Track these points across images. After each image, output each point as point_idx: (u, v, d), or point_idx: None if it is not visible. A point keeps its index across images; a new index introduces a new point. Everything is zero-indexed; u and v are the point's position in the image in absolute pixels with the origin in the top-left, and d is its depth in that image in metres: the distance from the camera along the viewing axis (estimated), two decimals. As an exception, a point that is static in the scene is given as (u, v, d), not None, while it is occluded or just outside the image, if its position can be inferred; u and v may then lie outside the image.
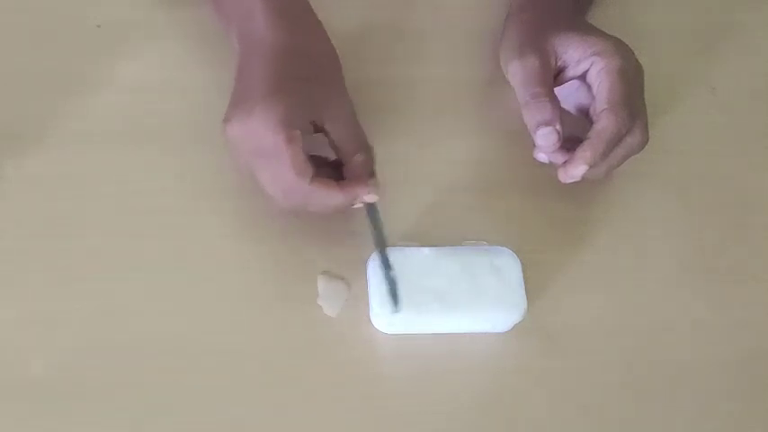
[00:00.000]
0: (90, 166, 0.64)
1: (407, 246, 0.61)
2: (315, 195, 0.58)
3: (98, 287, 0.61)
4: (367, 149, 0.60)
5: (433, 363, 0.61)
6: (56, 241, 0.62)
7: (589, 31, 0.64)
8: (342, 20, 0.63)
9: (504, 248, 0.62)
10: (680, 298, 0.64)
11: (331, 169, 0.60)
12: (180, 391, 0.58)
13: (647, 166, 0.66)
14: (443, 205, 0.66)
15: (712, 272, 0.65)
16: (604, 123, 0.60)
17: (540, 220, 0.66)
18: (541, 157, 0.63)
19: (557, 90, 0.63)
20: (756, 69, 0.75)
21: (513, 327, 0.61)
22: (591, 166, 0.60)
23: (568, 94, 0.65)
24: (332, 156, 0.61)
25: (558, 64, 0.64)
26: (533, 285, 0.61)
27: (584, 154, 0.60)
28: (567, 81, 0.64)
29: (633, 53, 0.63)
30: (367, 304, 0.60)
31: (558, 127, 0.60)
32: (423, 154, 0.67)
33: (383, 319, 0.60)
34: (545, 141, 0.61)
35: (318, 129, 0.59)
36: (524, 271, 0.61)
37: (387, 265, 0.60)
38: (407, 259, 0.60)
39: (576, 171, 0.61)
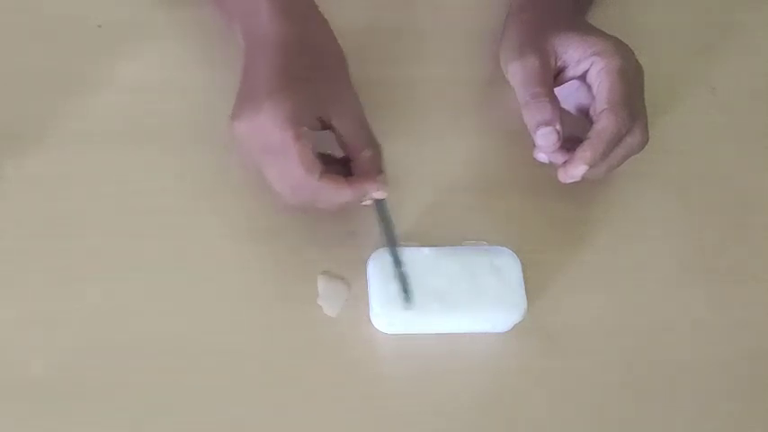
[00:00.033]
0: (90, 166, 0.64)
1: (407, 246, 0.61)
2: (323, 192, 0.58)
3: (98, 287, 0.61)
4: (375, 145, 0.60)
5: (433, 363, 0.61)
6: (56, 241, 0.62)
7: (589, 31, 0.64)
8: (342, 20, 0.63)
9: (504, 248, 0.62)
10: (680, 298, 0.64)
11: (339, 166, 0.60)
12: (180, 391, 0.58)
13: (647, 166, 0.66)
14: (443, 205, 0.66)
15: (712, 272, 0.65)
16: (604, 123, 0.60)
17: (540, 220, 0.66)
18: (541, 157, 0.63)
19: (557, 90, 0.63)
20: (756, 69, 0.75)
21: (513, 327, 0.61)
22: (591, 166, 0.60)
23: (568, 94, 0.65)
24: (339, 153, 0.61)
25: (558, 64, 0.64)
26: (533, 285, 0.61)
27: (584, 154, 0.60)
28: (566, 81, 0.64)
29: (633, 53, 0.63)
30: (367, 304, 0.60)
31: (557, 127, 0.60)
32: (423, 154, 0.67)
33: (383, 319, 0.60)
34: (545, 141, 0.61)
35: (326, 125, 0.59)
36: (524, 271, 0.61)
37: (398, 261, 0.60)
38: (407, 259, 0.60)
39: (575, 171, 0.61)
